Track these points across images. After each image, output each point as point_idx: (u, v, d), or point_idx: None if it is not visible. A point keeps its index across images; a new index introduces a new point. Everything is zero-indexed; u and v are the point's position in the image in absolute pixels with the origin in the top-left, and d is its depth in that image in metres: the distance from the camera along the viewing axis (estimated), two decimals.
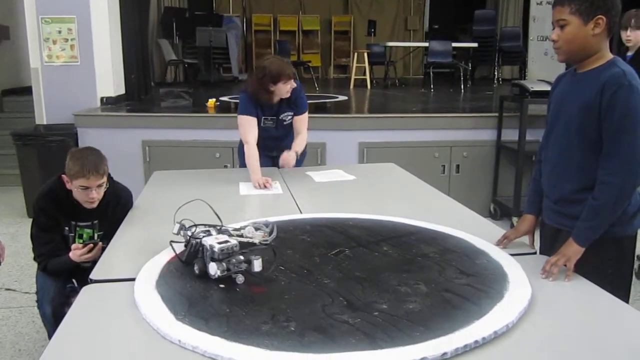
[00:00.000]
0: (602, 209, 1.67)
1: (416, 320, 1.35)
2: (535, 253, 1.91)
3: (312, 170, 3.24)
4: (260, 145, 3.01)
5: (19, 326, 3.03)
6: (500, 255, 1.79)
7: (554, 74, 2.01)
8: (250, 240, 1.71)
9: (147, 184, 3.00)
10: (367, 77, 8.55)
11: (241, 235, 1.73)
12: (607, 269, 1.72)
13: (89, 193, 2.21)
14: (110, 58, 5.48)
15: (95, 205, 2.27)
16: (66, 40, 5.21)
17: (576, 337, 1.35)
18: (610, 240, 1.71)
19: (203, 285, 1.57)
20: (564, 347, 1.30)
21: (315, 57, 11.72)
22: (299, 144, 3.09)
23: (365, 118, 5.10)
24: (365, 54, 8.58)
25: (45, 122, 5.32)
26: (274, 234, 1.75)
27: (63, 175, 2.24)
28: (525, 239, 1.97)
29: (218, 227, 1.74)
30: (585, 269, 1.67)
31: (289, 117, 3.13)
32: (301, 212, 2.38)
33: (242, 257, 1.59)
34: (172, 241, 1.80)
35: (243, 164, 3.08)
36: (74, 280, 2.35)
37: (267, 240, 1.73)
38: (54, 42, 5.20)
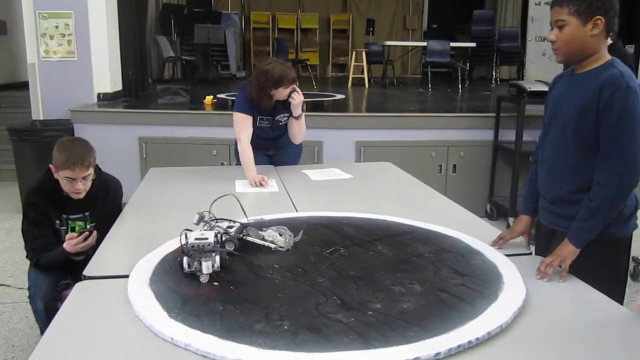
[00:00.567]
0: (598, 210, 1.67)
1: (410, 320, 1.34)
2: (530, 254, 1.91)
3: (309, 168, 3.24)
4: (256, 144, 3.00)
5: (12, 322, 3.02)
6: (495, 256, 1.79)
7: (551, 75, 2.01)
8: (268, 244, 1.76)
9: (142, 180, 2.99)
10: (365, 76, 8.55)
11: (262, 238, 1.77)
12: (602, 270, 1.72)
13: (75, 184, 2.20)
14: (108, 54, 5.45)
15: (81, 196, 2.26)
16: (63, 35, 5.19)
17: (570, 338, 1.35)
18: (606, 241, 1.71)
19: (197, 283, 1.57)
20: (558, 348, 1.30)
21: (314, 56, 11.72)
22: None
23: (363, 117, 5.09)
24: (364, 53, 8.57)
25: (41, 118, 5.30)
26: (297, 237, 1.80)
27: (51, 165, 2.23)
28: (521, 240, 1.96)
29: (241, 224, 1.79)
30: (580, 270, 1.67)
31: (285, 118, 3.11)
32: (297, 211, 2.37)
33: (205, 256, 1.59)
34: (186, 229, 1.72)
35: (240, 162, 3.07)
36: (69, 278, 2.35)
37: (282, 247, 1.77)
38: (51, 38, 5.18)
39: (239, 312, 1.39)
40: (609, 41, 1.71)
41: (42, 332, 2.13)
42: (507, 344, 1.29)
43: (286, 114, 3.09)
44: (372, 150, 4.75)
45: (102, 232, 2.08)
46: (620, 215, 1.71)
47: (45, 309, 2.26)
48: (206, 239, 1.61)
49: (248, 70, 11.30)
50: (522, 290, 1.52)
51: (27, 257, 2.36)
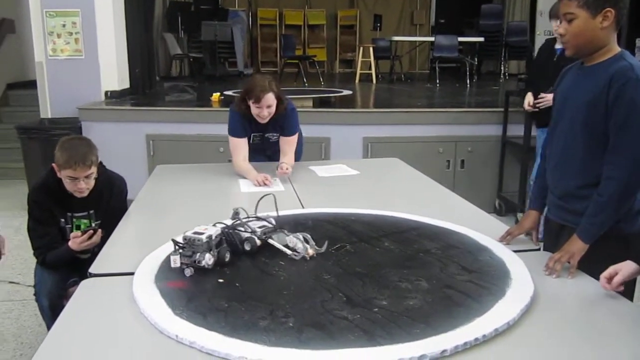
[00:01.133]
0: (607, 205, 1.64)
1: (416, 317, 1.33)
2: (539, 249, 1.89)
3: (316, 164, 3.23)
4: (252, 150, 2.98)
5: (21, 319, 3.04)
6: (503, 252, 1.77)
7: None
8: (289, 252, 1.70)
9: (149, 178, 2.99)
10: (373, 71, 8.51)
11: (285, 244, 1.72)
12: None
13: (77, 184, 2.20)
14: (115, 52, 5.46)
15: (85, 194, 2.26)
16: (70, 33, 5.20)
17: (578, 335, 1.33)
18: (615, 237, 1.68)
19: (202, 280, 1.56)
20: (566, 345, 1.28)
21: (321, 52, 11.69)
22: (286, 159, 2.93)
23: (370, 113, 5.07)
24: (371, 49, 8.53)
25: (49, 116, 5.32)
26: (322, 248, 1.73)
27: (53, 164, 2.23)
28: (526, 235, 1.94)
29: (273, 226, 1.77)
30: (589, 266, 1.65)
31: (275, 137, 3.02)
32: (303, 207, 2.36)
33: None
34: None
35: None
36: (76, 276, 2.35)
37: (297, 255, 1.69)
38: (59, 36, 5.19)
39: (244, 310, 1.38)
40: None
41: (48, 329, 2.13)
42: (514, 341, 1.27)
43: (275, 133, 3.00)
44: (379, 146, 4.73)
45: (108, 230, 2.08)
46: (630, 210, 1.68)
47: (51, 306, 2.27)
48: (202, 234, 1.61)
49: (255, 67, 11.31)
50: (530, 286, 1.51)
51: (34, 255, 2.37)
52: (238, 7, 11.31)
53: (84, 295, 1.55)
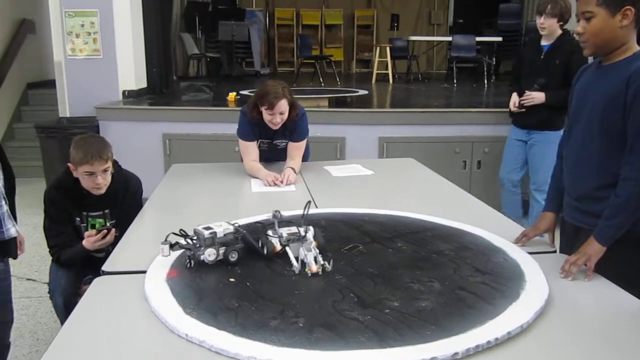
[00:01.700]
0: (625, 207, 1.61)
1: (428, 319, 1.31)
2: (555, 251, 1.86)
3: (330, 164, 3.22)
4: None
5: (38, 315, 3.07)
6: (518, 254, 1.75)
7: None
8: (293, 262, 1.62)
9: (164, 177, 3.00)
10: (389, 71, 8.48)
11: (296, 256, 1.63)
12: (630, 270, 1.65)
13: (95, 179, 2.22)
14: (132, 52, 5.51)
15: (102, 191, 2.28)
16: (89, 33, 5.25)
17: (594, 340, 1.30)
18: (634, 239, 1.65)
19: (214, 279, 1.56)
20: (582, 349, 1.25)
21: (338, 52, 11.68)
22: (293, 164, 2.89)
23: (386, 113, 5.05)
24: (388, 48, 8.50)
25: (68, 115, 5.38)
26: (329, 266, 1.61)
27: (69, 164, 2.25)
28: (545, 237, 1.91)
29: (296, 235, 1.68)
30: (606, 269, 1.61)
31: (283, 144, 3.00)
32: (316, 207, 2.35)
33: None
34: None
35: None
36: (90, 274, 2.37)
37: (297, 268, 1.61)
38: (77, 36, 5.25)
39: (254, 309, 1.38)
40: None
41: None
42: (527, 345, 1.25)
43: (284, 140, 2.99)
44: (395, 147, 4.70)
45: (122, 229, 2.09)
46: None
47: (65, 304, 2.29)
48: (209, 230, 1.63)
49: (272, 67, 11.33)
50: (544, 289, 1.48)
51: (49, 253, 2.39)
52: (255, 7, 11.35)
53: (96, 292, 1.56)
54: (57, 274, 2.37)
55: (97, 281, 1.63)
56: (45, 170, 5.04)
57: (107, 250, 2.16)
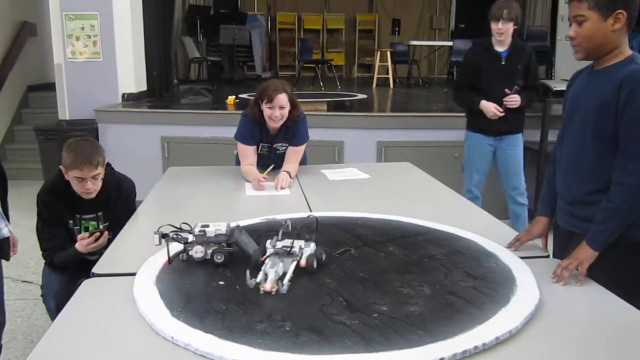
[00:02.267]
0: (617, 212, 1.60)
1: (415, 323, 1.30)
2: (548, 256, 1.85)
3: (327, 168, 3.21)
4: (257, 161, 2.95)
5: (32, 318, 3.07)
6: (510, 259, 1.73)
7: None
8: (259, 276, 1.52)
9: (160, 179, 3.00)
10: (390, 76, 8.48)
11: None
12: (623, 275, 1.64)
13: (84, 184, 2.21)
14: (132, 55, 5.52)
15: (92, 196, 2.27)
16: (89, 36, 5.27)
17: (585, 346, 1.29)
18: (626, 244, 1.64)
19: (203, 282, 1.56)
20: (571, 355, 1.24)
21: (339, 56, 11.69)
22: (290, 167, 2.87)
23: (384, 117, 5.04)
24: (389, 53, 8.51)
25: (67, 118, 5.39)
26: (283, 288, 1.48)
27: (61, 167, 2.25)
28: (539, 242, 1.90)
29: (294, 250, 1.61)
30: (598, 274, 1.60)
31: (283, 148, 2.97)
32: (311, 210, 2.35)
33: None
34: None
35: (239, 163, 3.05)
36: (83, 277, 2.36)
37: (252, 283, 1.49)
38: (77, 39, 5.26)
39: (241, 312, 1.37)
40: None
41: None
42: (516, 351, 1.24)
43: (284, 144, 2.96)
44: (393, 151, 4.69)
45: (115, 232, 2.09)
46: None
47: (57, 307, 2.27)
48: (205, 228, 1.65)
49: (273, 71, 11.34)
50: (535, 294, 1.47)
51: (42, 256, 2.38)
52: (257, 11, 11.37)
53: (85, 294, 1.56)
54: (50, 277, 2.36)
55: (87, 283, 1.63)
56: (44, 172, 5.04)
57: (101, 253, 2.15)
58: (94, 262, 2.03)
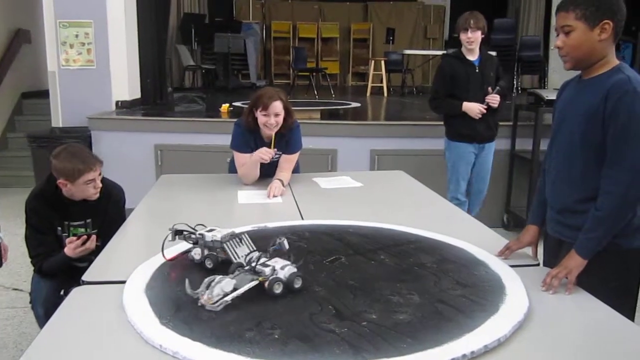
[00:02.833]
0: (605, 220, 1.61)
1: (404, 332, 1.30)
2: (538, 264, 1.85)
3: (319, 176, 3.21)
4: None
5: (22, 326, 3.05)
6: (500, 267, 1.74)
7: None
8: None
9: (152, 187, 2.99)
10: (384, 84, 8.51)
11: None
12: (611, 283, 1.65)
13: (95, 184, 2.25)
14: (126, 63, 5.52)
15: (97, 195, 2.30)
16: (83, 44, 5.27)
17: (573, 354, 1.30)
18: (614, 252, 1.65)
19: (193, 289, 1.55)
20: None
21: (334, 65, 11.73)
22: (283, 176, 2.87)
23: (377, 125, 5.06)
24: (383, 62, 8.54)
25: (61, 125, 5.38)
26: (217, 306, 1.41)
27: (60, 181, 2.24)
28: (529, 250, 1.91)
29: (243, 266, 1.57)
30: (588, 282, 1.61)
31: (277, 156, 2.93)
32: (302, 218, 2.35)
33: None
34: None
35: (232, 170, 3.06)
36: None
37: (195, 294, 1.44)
38: (71, 46, 5.26)
39: (230, 320, 1.36)
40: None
41: None
42: (504, 359, 1.24)
43: (279, 152, 2.92)
44: (386, 159, 4.71)
45: (105, 239, 2.08)
46: (629, 226, 1.64)
47: (46, 314, 2.26)
48: (208, 232, 1.71)
49: (268, 80, 11.37)
50: (524, 302, 1.47)
51: (31, 263, 2.37)
52: (252, 20, 11.40)
53: (74, 302, 1.55)
54: (39, 284, 2.35)
55: (76, 291, 1.62)
56: (36, 180, 5.02)
57: (90, 259, 2.14)
58: (83, 269, 2.03)
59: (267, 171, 2.94)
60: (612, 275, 1.67)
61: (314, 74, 9.18)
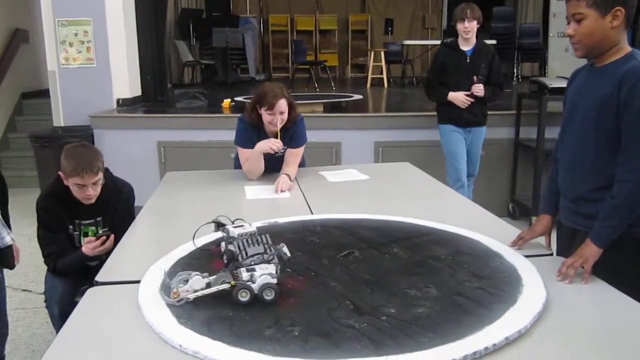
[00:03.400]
0: (621, 208, 1.60)
1: (425, 326, 1.30)
2: (552, 254, 1.85)
3: (326, 170, 3.21)
4: None
5: (33, 327, 3.05)
6: (515, 257, 1.73)
7: None
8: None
9: (159, 185, 2.99)
10: (384, 75, 8.48)
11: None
12: (627, 271, 1.65)
13: (85, 191, 2.22)
14: (126, 60, 5.49)
15: (92, 201, 2.28)
16: (82, 42, 5.24)
17: (593, 343, 1.29)
18: (630, 241, 1.64)
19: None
20: (580, 354, 1.25)
21: (333, 57, 11.67)
22: (289, 170, 2.85)
23: (381, 117, 5.04)
24: (382, 53, 8.51)
25: (62, 124, 5.36)
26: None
27: (60, 173, 2.24)
28: (542, 240, 1.90)
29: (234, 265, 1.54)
30: (604, 271, 1.60)
31: (281, 151, 2.91)
32: (312, 213, 2.34)
33: None
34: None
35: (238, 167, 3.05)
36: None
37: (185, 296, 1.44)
38: (71, 45, 5.24)
39: (249, 318, 1.36)
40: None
41: None
42: (526, 350, 1.24)
43: (283, 147, 2.89)
44: (391, 151, 4.70)
45: (116, 238, 2.08)
46: None
47: (61, 313, 2.27)
48: (237, 227, 1.67)
49: (267, 74, 11.33)
50: (542, 293, 1.47)
51: (44, 262, 2.37)
52: (249, 14, 11.34)
53: (90, 303, 1.55)
54: (53, 282, 2.35)
55: (91, 292, 1.62)
56: (40, 180, 5.01)
57: (101, 258, 2.14)
58: (96, 268, 2.03)
59: (273, 166, 2.92)
60: (627, 264, 1.66)
61: (314, 66, 9.14)
